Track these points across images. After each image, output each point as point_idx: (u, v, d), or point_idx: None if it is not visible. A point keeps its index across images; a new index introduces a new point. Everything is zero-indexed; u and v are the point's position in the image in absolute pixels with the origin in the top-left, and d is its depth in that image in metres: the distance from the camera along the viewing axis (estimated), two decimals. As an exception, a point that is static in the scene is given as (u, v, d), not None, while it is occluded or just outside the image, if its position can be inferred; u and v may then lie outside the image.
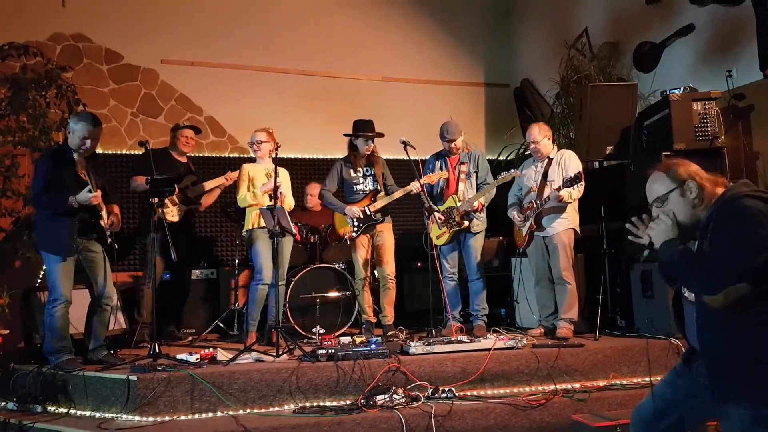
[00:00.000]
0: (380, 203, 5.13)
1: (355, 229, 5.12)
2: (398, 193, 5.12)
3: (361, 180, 5.24)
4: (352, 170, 5.24)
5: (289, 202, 5.02)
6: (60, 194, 4.04)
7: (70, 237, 4.10)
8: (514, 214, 4.98)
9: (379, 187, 5.22)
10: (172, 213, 5.21)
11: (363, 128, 5.18)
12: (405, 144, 4.93)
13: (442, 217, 4.99)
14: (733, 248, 2.04)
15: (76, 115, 4.29)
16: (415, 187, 4.93)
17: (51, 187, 4.05)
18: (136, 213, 6.05)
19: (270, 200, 4.63)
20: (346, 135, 5.25)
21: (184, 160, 5.52)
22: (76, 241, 4.14)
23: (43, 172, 4.08)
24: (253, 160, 5.22)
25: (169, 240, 4.36)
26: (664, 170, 2.30)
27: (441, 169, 5.16)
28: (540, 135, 4.87)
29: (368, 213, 5.12)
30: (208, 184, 5.44)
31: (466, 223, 5.00)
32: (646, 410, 2.50)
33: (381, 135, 5.20)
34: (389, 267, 5.18)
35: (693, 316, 2.25)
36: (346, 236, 5.19)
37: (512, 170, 4.94)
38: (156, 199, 4.41)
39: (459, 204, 5.00)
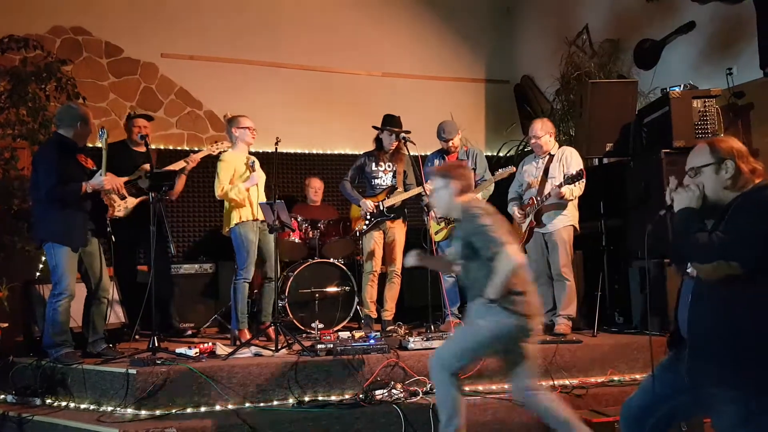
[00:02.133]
0: (393, 200, 5.11)
1: (367, 222, 5.12)
2: (410, 192, 5.10)
3: (381, 174, 5.21)
4: (374, 164, 5.22)
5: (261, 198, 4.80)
6: (72, 183, 4.04)
7: (85, 228, 4.12)
8: (514, 210, 4.98)
9: (396, 184, 5.20)
10: (119, 207, 4.87)
11: (389, 123, 5.15)
12: (404, 140, 4.94)
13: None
14: (740, 232, 2.08)
15: (86, 116, 4.25)
16: (426, 189, 4.91)
17: (62, 178, 4.02)
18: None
19: (250, 194, 4.60)
20: (374, 128, 5.23)
21: (141, 149, 5.20)
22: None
23: (53, 164, 4.03)
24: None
25: (167, 233, 4.35)
26: (709, 143, 2.32)
27: None
28: (542, 131, 4.87)
29: (381, 208, 5.11)
30: (172, 167, 5.09)
31: None
32: (636, 405, 2.52)
33: (407, 132, 5.10)
34: (397, 263, 5.18)
35: (690, 293, 2.27)
36: (357, 229, 5.19)
37: (509, 167, 4.94)
38: (155, 193, 4.40)
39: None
